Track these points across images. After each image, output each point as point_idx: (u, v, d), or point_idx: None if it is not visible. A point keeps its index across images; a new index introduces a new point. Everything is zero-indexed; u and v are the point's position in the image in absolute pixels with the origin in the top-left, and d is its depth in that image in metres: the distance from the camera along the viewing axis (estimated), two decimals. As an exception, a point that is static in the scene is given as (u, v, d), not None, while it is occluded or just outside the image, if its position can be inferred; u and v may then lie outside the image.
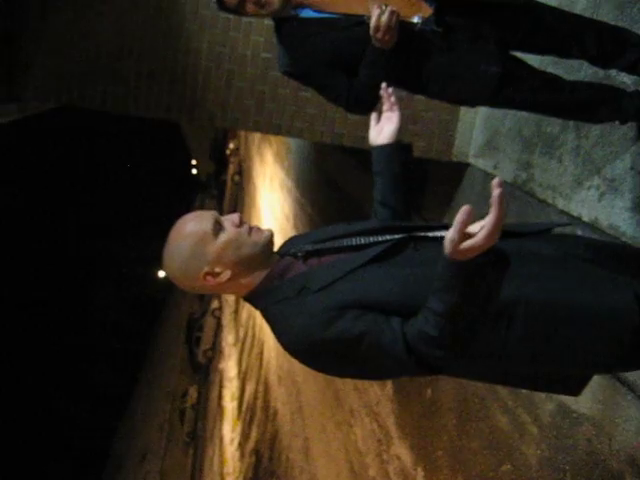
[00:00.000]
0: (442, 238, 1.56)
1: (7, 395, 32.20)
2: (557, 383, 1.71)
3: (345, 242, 1.66)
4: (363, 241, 1.65)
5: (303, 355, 1.56)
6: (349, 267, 1.56)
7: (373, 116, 1.96)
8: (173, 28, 4.33)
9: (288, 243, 1.77)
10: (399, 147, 1.93)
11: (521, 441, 3.57)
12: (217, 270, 1.57)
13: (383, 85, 1.97)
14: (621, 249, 2.01)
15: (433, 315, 1.39)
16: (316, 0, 2.35)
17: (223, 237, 1.56)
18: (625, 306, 1.56)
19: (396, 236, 1.65)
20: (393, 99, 1.93)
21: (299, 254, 1.65)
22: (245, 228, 1.59)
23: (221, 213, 1.64)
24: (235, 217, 1.60)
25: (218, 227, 1.57)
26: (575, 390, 1.71)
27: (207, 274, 1.57)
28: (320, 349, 1.50)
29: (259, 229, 1.62)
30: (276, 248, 1.70)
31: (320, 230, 1.79)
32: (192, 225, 1.57)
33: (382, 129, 1.92)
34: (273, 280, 1.60)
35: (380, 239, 1.65)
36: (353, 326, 1.46)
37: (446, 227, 1.66)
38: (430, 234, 1.68)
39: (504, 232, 1.69)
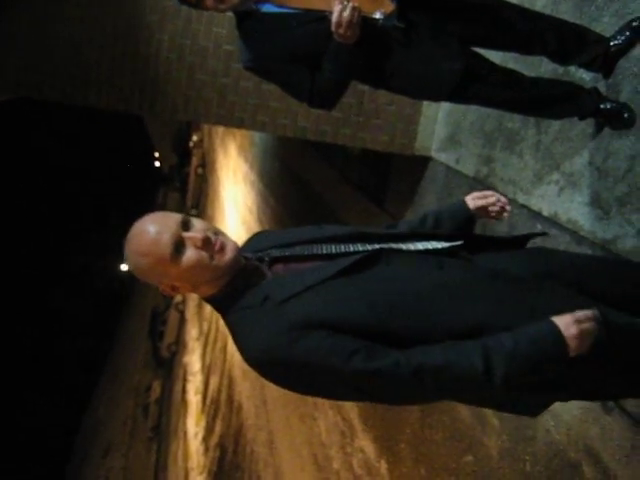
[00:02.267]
0: (415, 252, 1.61)
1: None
2: (520, 405, 1.69)
3: (314, 249, 1.60)
4: (333, 250, 1.59)
5: (264, 372, 1.50)
6: (315, 279, 1.49)
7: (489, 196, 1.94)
8: (134, 19, 4.27)
9: (254, 241, 1.72)
10: (473, 220, 1.93)
11: (482, 433, 3.62)
12: (176, 284, 1.53)
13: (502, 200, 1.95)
14: (595, 264, 1.99)
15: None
16: (278, -5, 2.33)
17: (184, 262, 1.46)
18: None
19: (368, 246, 1.60)
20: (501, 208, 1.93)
21: (265, 259, 1.59)
22: (208, 252, 1.48)
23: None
24: (198, 238, 1.47)
25: (179, 250, 1.46)
26: (535, 412, 1.71)
27: (166, 286, 1.53)
28: (282, 367, 1.45)
29: (222, 250, 1.50)
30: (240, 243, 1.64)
31: (289, 232, 1.73)
32: (152, 245, 1.45)
33: (484, 207, 1.92)
34: (237, 285, 1.54)
35: (351, 249, 1.59)
36: (318, 348, 1.41)
37: (419, 236, 1.68)
38: (403, 246, 1.64)
39: (483, 239, 1.75)
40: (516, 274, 1.65)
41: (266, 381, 1.52)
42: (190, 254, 1.47)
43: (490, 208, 1.92)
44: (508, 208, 1.94)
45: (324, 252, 1.59)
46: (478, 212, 1.92)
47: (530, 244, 1.95)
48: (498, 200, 1.92)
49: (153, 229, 1.47)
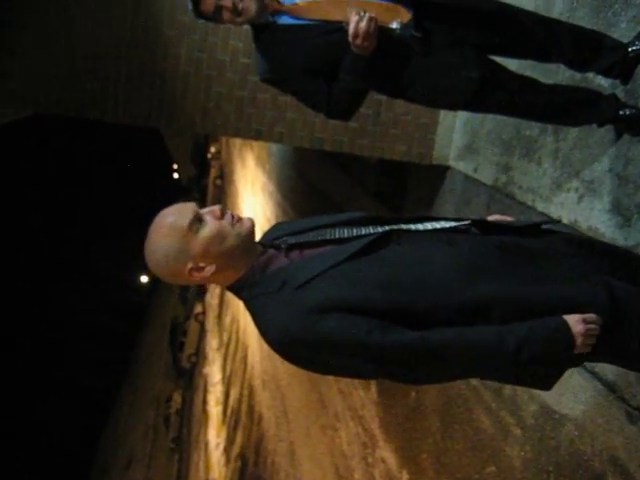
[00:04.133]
0: (424, 231, 1.65)
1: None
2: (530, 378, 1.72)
3: (328, 234, 1.64)
4: (346, 233, 1.64)
5: (286, 354, 1.56)
6: (329, 263, 1.54)
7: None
8: (151, 34, 4.30)
9: (272, 231, 1.76)
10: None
11: (505, 443, 3.58)
12: (201, 265, 1.55)
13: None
14: (600, 245, 2.03)
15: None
16: (293, 7, 2.35)
17: (205, 232, 1.53)
18: (596, 301, 1.61)
19: (379, 228, 1.64)
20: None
21: (282, 246, 1.63)
22: (227, 220, 1.56)
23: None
24: (216, 209, 1.57)
25: (199, 222, 1.53)
26: (547, 386, 1.72)
27: (192, 269, 1.55)
28: (302, 349, 1.50)
29: (240, 219, 1.58)
30: (258, 237, 1.69)
31: (305, 220, 1.78)
32: (173, 221, 1.53)
33: None
34: (255, 273, 1.58)
35: (363, 232, 1.63)
36: (336, 327, 1.47)
37: (429, 219, 1.72)
38: (413, 227, 1.68)
39: (493, 225, 1.77)
40: (524, 246, 1.69)
41: (291, 366, 1.59)
42: (211, 223, 1.54)
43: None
44: None
45: (336, 236, 1.64)
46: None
47: None
48: None
49: (171, 213, 1.55)
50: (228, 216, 1.57)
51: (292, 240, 1.65)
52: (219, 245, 1.54)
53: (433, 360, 1.52)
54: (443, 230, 1.70)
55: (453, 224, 1.72)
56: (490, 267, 1.59)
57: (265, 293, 1.55)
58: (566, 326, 1.53)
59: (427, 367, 1.55)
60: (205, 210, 1.57)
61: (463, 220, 1.76)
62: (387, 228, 1.65)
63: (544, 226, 1.89)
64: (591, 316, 1.54)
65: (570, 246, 1.79)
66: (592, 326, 1.53)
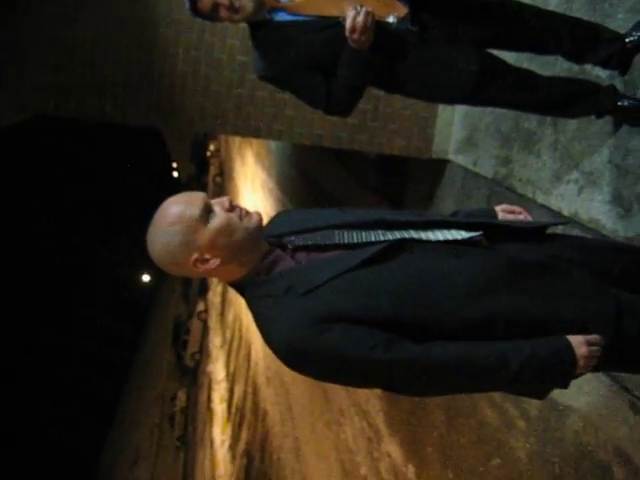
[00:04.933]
0: (435, 242, 1.62)
1: (-6, 406, 31.94)
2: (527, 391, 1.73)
3: (337, 238, 1.61)
4: (355, 238, 1.61)
5: (290, 363, 1.53)
6: (337, 270, 1.52)
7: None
8: (148, 34, 4.30)
9: (276, 222, 1.73)
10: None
11: (509, 435, 3.59)
12: (207, 257, 1.51)
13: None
14: (611, 247, 2.01)
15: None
16: (290, 4, 2.34)
17: (214, 223, 1.50)
18: (603, 318, 1.62)
19: (388, 235, 1.61)
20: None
21: (288, 247, 1.61)
22: (236, 213, 1.53)
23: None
24: (225, 201, 1.54)
25: (208, 212, 1.50)
26: (541, 397, 1.73)
27: (196, 260, 1.51)
28: (305, 358, 1.49)
29: (248, 213, 1.55)
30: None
31: (310, 214, 1.75)
32: (182, 210, 1.49)
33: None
34: (260, 272, 1.56)
35: (372, 237, 1.61)
36: (341, 340, 1.46)
37: (438, 225, 1.69)
38: (423, 236, 1.64)
39: (499, 227, 1.75)
40: (533, 262, 1.66)
41: (293, 373, 1.58)
42: (220, 214, 1.51)
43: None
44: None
45: (345, 241, 1.60)
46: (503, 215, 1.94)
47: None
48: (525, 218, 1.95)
49: (180, 201, 1.52)
50: (237, 209, 1.54)
51: (300, 242, 1.62)
52: (227, 238, 1.51)
53: (433, 378, 1.53)
54: (454, 241, 1.66)
55: (465, 235, 1.67)
56: (499, 283, 1.58)
57: (270, 295, 1.53)
58: (570, 348, 1.54)
59: (427, 384, 1.55)
60: (215, 201, 1.54)
61: (473, 226, 1.71)
62: (398, 236, 1.61)
63: (550, 229, 1.87)
64: (595, 337, 1.56)
65: (581, 251, 1.78)
66: (595, 348, 1.55)
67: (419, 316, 1.51)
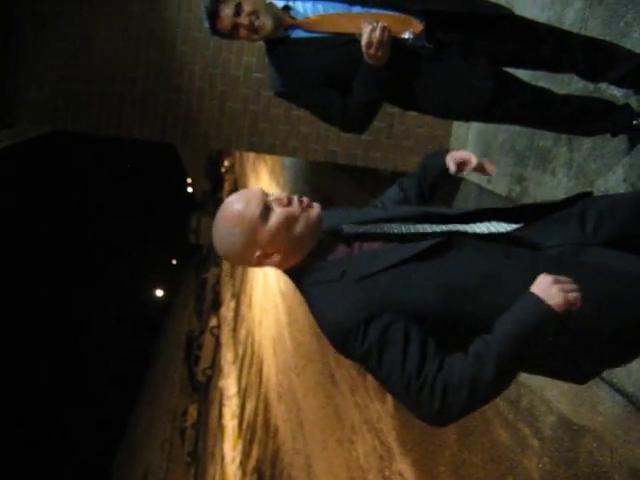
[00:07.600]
0: (481, 236, 1.66)
1: (6, 418, 31.99)
2: (567, 373, 1.72)
3: (386, 228, 1.65)
4: (404, 230, 1.64)
5: (338, 344, 1.55)
6: (392, 261, 1.55)
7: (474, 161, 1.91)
8: (165, 51, 4.35)
9: (325, 217, 1.73)
10: (447, 175, 1.96)
11: (522, 455, 3.56)
12: (270, 251, 1.57)
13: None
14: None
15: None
16: (306, 20, 2.37)
17: (274, 221, 1.54)
18: None
19: (435, 228, 1.65)
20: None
21: (342, 234, 1.64)
22: (295, 205, 1.57)
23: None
24: (283, 198, 1.57)
25: (267, 210, 1.55)
26: (582, 380, 1.73)
27: (260, 257, 1.58)
28: (354, 342, 1.50)
29: (310, 204, 1.59)
30: None
31: (356, 210, 1.79)
32: (242, 211, 1.54)
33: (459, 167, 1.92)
34: (315, 259, 1.60)
35: (420, 229, 1.65)
36: (387, 330, 1.47)
37: (481, 215, 1.72)
38: (469, 229, 1.68)
39: (537, 209, 1.77)
40: (573, 260, 1.67)
41: (338, 355, 1.59)
42: (278, 212, 1.55)
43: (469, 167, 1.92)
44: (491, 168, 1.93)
45: (395, 232, 1.64)
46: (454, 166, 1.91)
47: None
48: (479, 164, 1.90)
49: (240, 200, 1.57)
50: (295, 202, 1.57)
51: (350, 230, 1.65)
52: (287, 232, 1.55)
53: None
54: (500, 235, 1.69)
55: (507, 228, 1.71)
56: None
57: (324, 281, 1.56)
58: (532, 296, 1.45)
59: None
60: (272, 197, 1.58)
61: (512, 214, 1.74)
62: (444, 229, 1.65)
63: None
64: (565, 278, 1.47)
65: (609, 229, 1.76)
66: (569, 286, 1.45)
67: (466, 313, 1.52)
